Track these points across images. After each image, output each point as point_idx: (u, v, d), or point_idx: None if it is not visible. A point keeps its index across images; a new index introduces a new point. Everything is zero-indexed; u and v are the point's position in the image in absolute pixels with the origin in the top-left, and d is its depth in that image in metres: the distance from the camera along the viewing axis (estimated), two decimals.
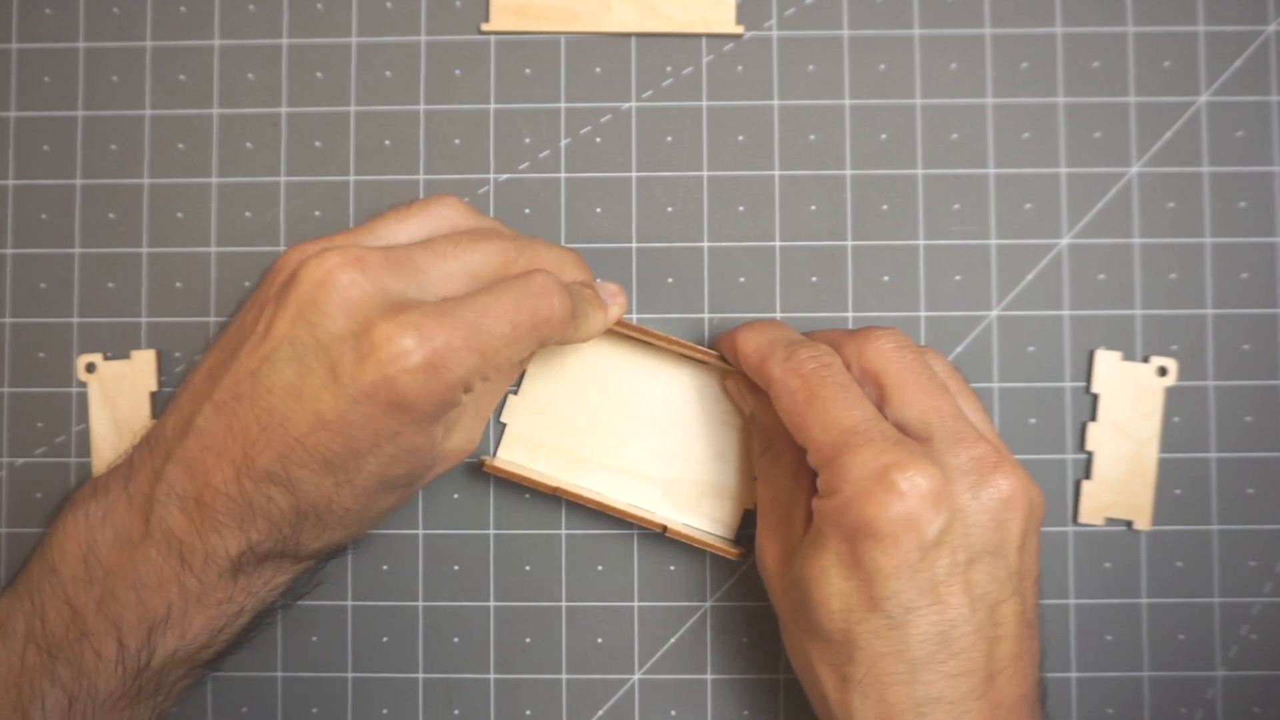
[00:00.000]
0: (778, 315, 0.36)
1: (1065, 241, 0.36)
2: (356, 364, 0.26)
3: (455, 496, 0.36)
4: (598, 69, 0.37)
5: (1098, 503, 0.36)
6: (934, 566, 0.27)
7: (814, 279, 0.36)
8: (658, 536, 0.36)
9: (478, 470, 0.36)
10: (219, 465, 0.27)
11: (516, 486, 0.36)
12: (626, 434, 0.35)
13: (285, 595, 0.31)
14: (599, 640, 0.36)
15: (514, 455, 0.36)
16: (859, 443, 0.28)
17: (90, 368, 0.36)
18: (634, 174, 0.37)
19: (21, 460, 0.36)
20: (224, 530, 0.28)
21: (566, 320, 0.29)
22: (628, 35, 0.37)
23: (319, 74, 0.37)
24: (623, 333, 0.34)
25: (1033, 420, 0.36)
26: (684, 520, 0.35)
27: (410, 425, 0.27)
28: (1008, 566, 0.28)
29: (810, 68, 0.37)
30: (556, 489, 0.34)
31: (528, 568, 0.36)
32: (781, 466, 0.33)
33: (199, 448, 0.28)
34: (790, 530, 0.31)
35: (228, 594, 0.29)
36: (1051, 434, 0.36)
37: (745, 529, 0.35)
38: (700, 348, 0.34)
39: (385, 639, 0.36)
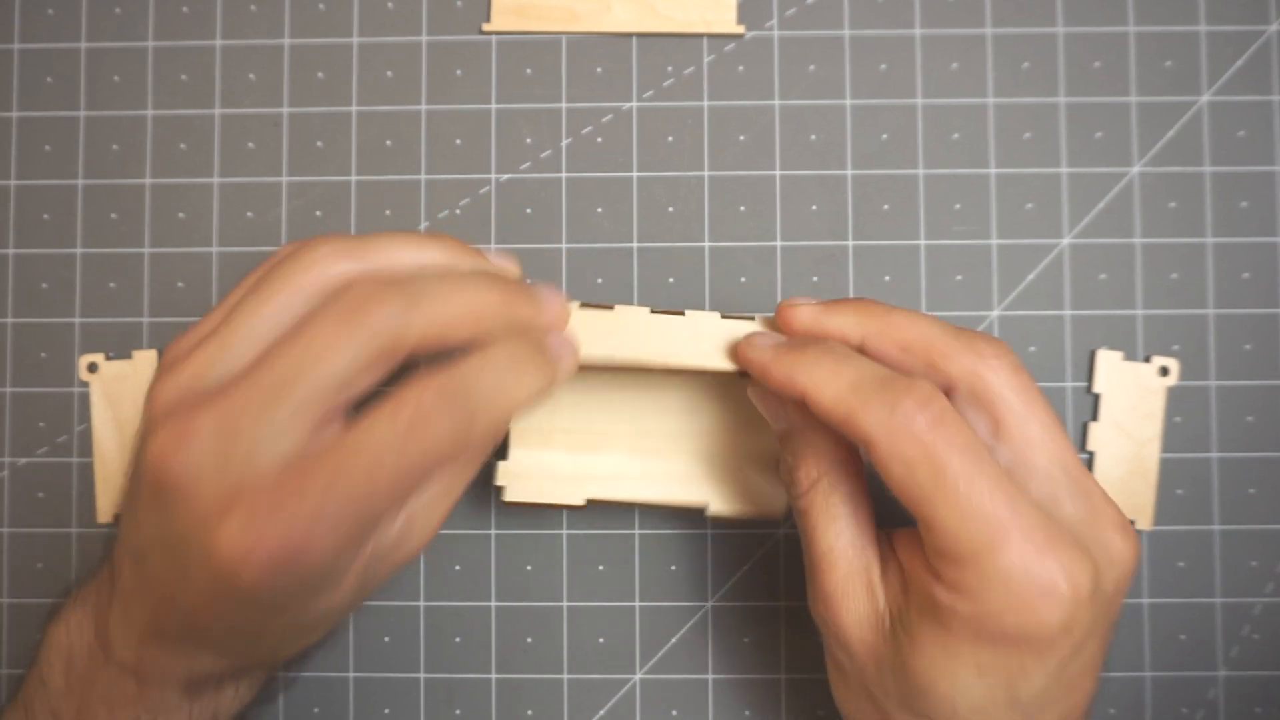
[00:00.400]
0: None
1: (1066, 241, 0.36)
2: (204, 563, 0.23)
3: None
4: (599, 69, 0.37)
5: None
6: (1080, 658, 0.24)
7: (815, 279, 0.36)
8: (659, 536, 0.36)
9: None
10: (147, 611, 0.26)
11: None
12: (643, 401, 0.33)
13: (260, 695, 0.31)
14: (600, 640, 0.36)
15: (527, 447, 0.33)
16: (1008, 538, 0.23)
17: (92, 368, 0.36)
18: (635, 174, 0.37)
19: (24, 460, 0.36)
20: (170, 660, 0.27)
21: (471, 433, 0.24)
22: (628, 35, 0.37)
23: (320, 74, 0.37)
24: (639, 368, 0.29)
25: None
26: (720, 490, 0.32)
27: (294, 603, 0.24)
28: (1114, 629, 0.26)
29: (811, 68, 0.37)
30: (587, 502, 0.32)
31: (529, 567, 0.36)
32: (843, 512, 0.27)
33: (129, 588, 0.27)
34: (872, 596, 0.26)
35: (190, 709, 0.28)
36: None
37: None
38: (717, 366, 0.29)
39: (387, 639, 0.36)
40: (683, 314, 0.29)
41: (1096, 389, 0.36)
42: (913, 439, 0.23)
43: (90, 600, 0.29)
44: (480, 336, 0.25)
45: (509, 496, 0.32)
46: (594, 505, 0.33)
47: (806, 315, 0.27)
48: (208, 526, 0.23)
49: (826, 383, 0.25)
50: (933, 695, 0.24)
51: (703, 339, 0.29)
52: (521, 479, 0.32)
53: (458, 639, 0.36)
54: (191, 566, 0.23)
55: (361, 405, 0.24)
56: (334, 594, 0.25)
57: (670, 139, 0.37)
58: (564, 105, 0.37)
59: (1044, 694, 0.24)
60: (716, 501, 0.32)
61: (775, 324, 0.29)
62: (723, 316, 0.29)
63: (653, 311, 0.29)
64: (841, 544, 0.26)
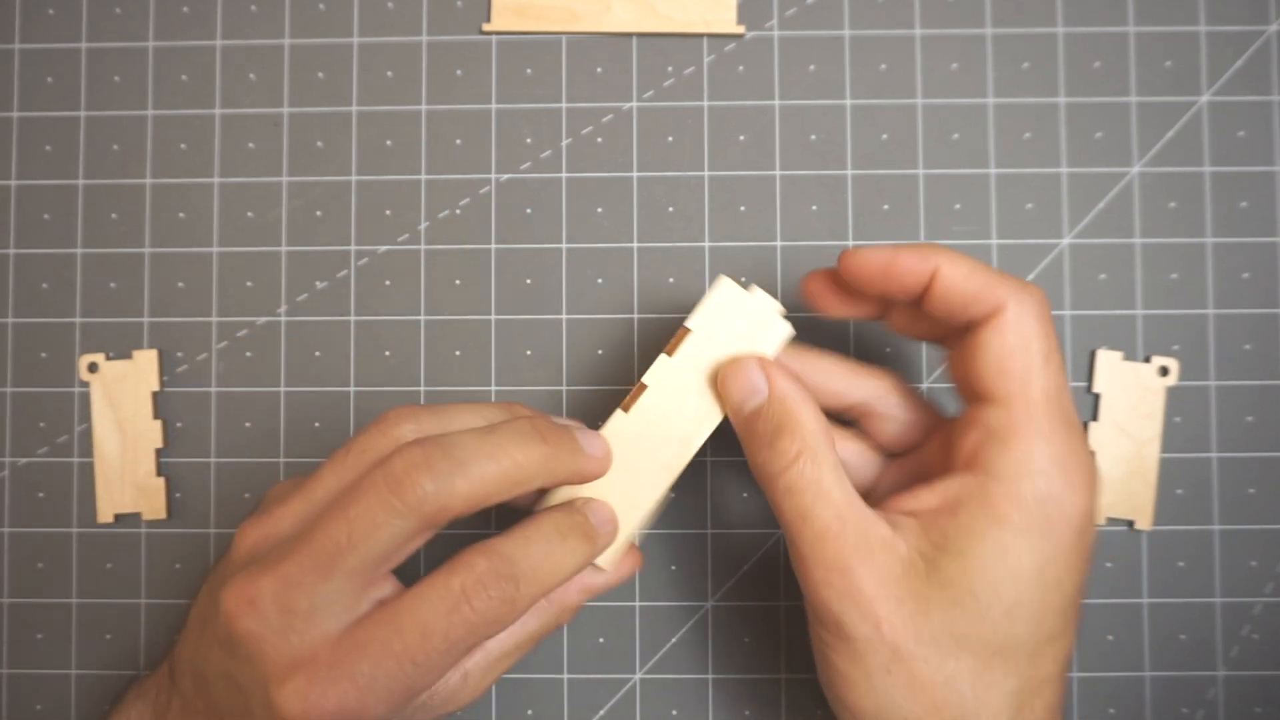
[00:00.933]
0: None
1: (1066, 241, 0.36)
2: (266, 712, 0.25)
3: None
4: (599, 69, 0.37)
5: (1099, 502, 0.36)
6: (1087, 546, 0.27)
7: None
8: (659, 536, 0.36)
9: None
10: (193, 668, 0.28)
11: None
12: None
13: None
14: (600, 640, 0.36)
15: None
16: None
17: (93, 367, 0.36)
18: (635, 174, 0.37)
19: (24, 460, 0.36)
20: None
21: (517, 602, 0.25)
22: (629, 35, 0.37)
23: (320, 74, 0.37)
24: None
25: None
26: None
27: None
28: None
29: (811, 68, 0.37)
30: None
31: None
32: (834, 479, 0.27)
33: (189, 698, 0.28)
34: (890, 549, 0.26)
35: None
36: None
37: None
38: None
39: None
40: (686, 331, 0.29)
41: (1096, 389, 0.36)
42: (1041, 309, 0.26)
43: (150, 695, 0.30)
44: (525, 489, 0.26)
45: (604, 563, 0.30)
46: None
47: (880, 255, 0.28)
48: (270, 684, 0.24)
49: (959, 259, 0.27)
50: (996, 605, 0.25)
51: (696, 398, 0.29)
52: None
53: None
54: (254, 710, 0.25)
55: None
56: None
57: (670, 139, 0.37)
58: (564, 105, 0.37)
59: (1079, 590, 0.26)
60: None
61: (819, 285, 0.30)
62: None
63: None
64: (842, 508, 0.26)
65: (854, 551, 0.26)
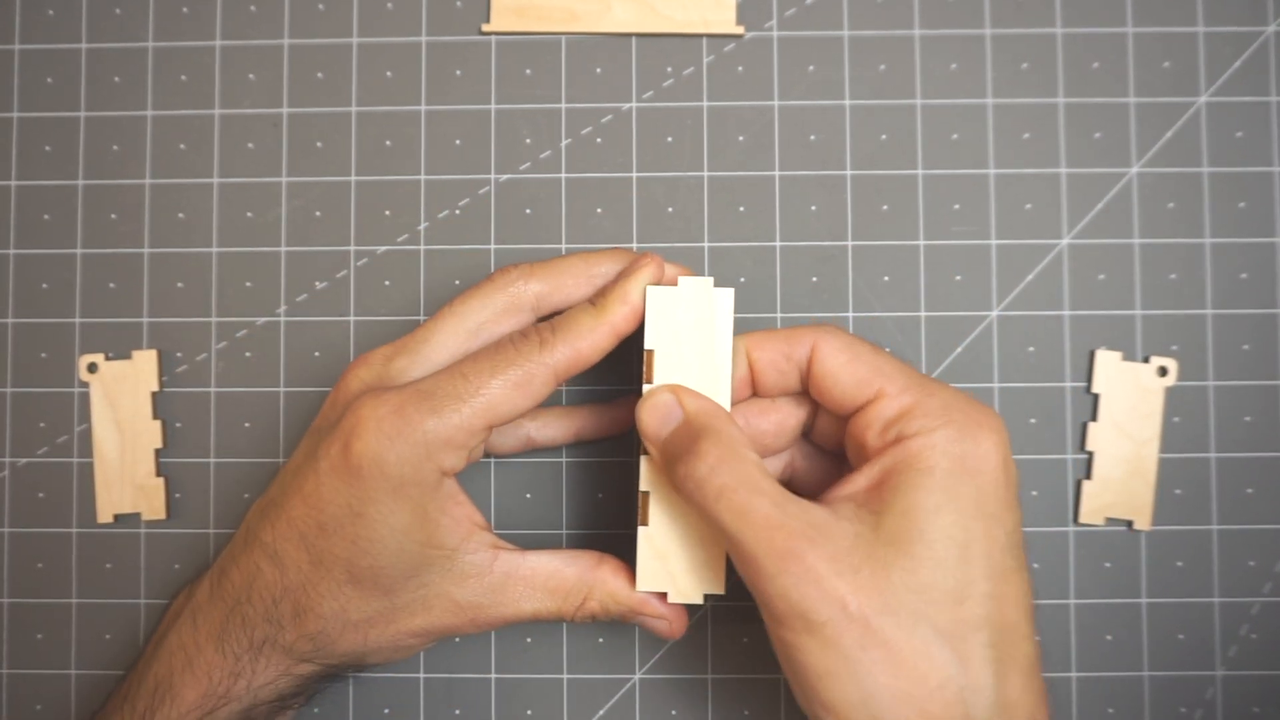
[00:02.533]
0: (778, 315, 0.36)
1: (1065, 241, 0.36)
2: (330, 440, 0.29)
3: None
4: (598, 69, 0.37)
5: (1098, 503, 0.36)
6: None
7: (814, 279, 0.36)
8: None
9: (478, 470, 0.36)
10: (243, 536, 0.31)
11: (517, 487, 0.36)
12: None
13: (275, 706, 0.31)
14: (600, 639, 0.36)
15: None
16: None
17: (92, 368, 0.36)
18: (634, 174, 0.37)
19: (24, 460, 0.36)
20: (224, 593, 0.31)
21: (545, 367, 0.29)
22: (628, 35, 0.37)
23: (320, 74, 0.37)
24: None
25: (1033, 420, 0.36)
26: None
27: (370, 502, 0.28)
28: None
29: (811, 68, 0.37)
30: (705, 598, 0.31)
31: None
32: (761, 477, 0.28)
33: (247, 524, 0.32)
34: (838, 518, 0.27)
35: (215, 666, 0.30)
36: (1052, 434, 0.36)
37: None
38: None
39: None
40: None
41: (1095, 389, 0.36)
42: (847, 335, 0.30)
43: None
44: None
45: (643, 587, 0.30)
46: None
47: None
48: (351, 405, 0.29)
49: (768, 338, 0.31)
50: (948, 546, 0.26)
51: None
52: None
53: (458, 639, 0.36)
54: (320, 448, 0.29)
55: None
56: (385, 540, 0.28)
57: (670, 139, 0.37)
58: (564, 105, 0.37)
59: (1018, 529, 0.27)
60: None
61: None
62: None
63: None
64: (777, 497, 0.26)
65: (801, 535, 0.25)
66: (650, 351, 0.30)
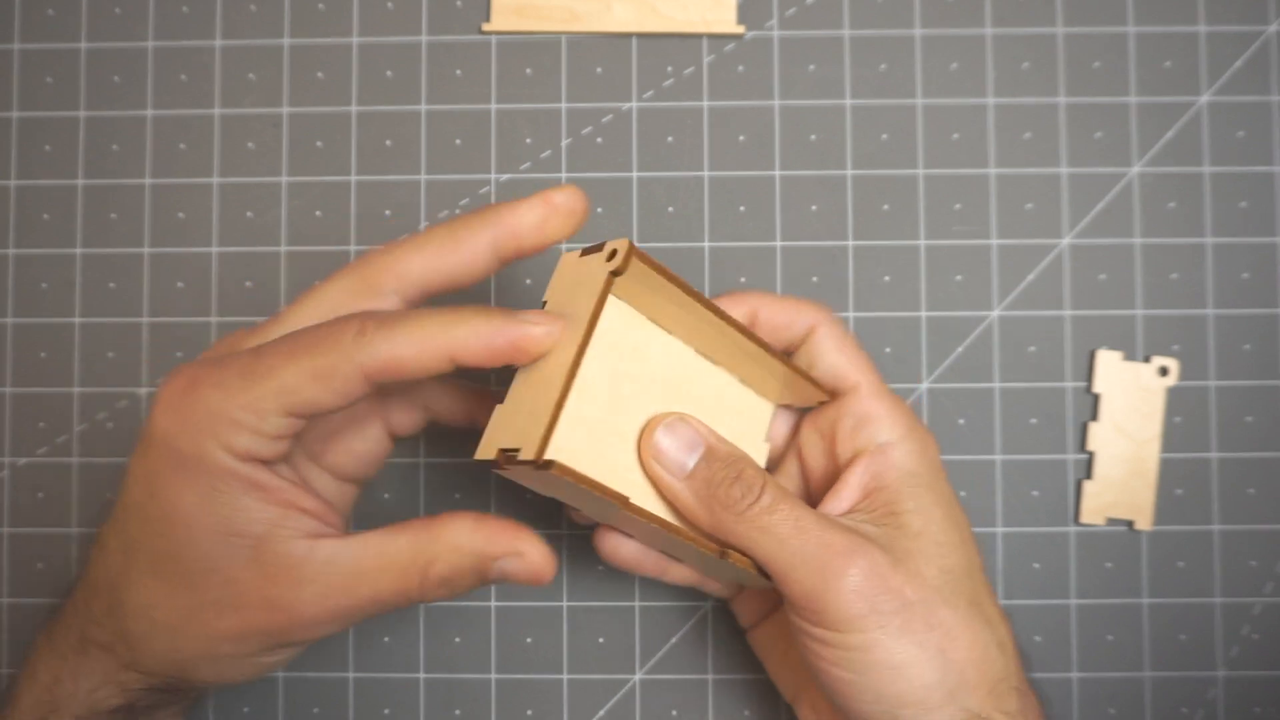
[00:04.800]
0: None
1: (1066, 241, 0.36)
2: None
3: (457, 496, 0.36)
4: (598, 69, 0.37)
5: (1099, 503, 0.36)
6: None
7: (815, 279, 0.36)
8: None
9: (478, 470, 0.36)
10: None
11: (516, 487, 0.36)
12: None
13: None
14: (600, 640, 0.36)
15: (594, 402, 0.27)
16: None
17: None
18: (635, 174, 0.37)
19: (24, 460, 0.36)
20: (73, 588, 0.29)
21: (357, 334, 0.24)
22: (628, 35, 0.37)
23: (320, 74, 0.37)
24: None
25: (1034, 420, 0.36)
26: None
27: (162, 481, 0.25)
28: None
29: (811, 68, 0.37)
30: (625, 504, 0.26)
31: None
32: (790, 500, 0.28)
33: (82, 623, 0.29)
34: (864, 547, 0.28)
35: (46, 667, 0.28)
36: (1052, 434, 0.36)
37: None
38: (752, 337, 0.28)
39: (386, 639, 0.36)
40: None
41: (1096, 389, 0.36)
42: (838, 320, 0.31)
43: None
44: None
45: (562, 459, 0.24)
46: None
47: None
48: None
49: (766, 298, 0.32)
50: (955, 535, 0.29)
51: None
52: (581, 442, 0.26)
53: (457, 639, 0.36)
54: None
55: None
56: (185, 525, 0.26)
57: (670, 139, 0.37)
58: (564, 105, 0.37)
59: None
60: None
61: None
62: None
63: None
64: (825, 521, 0.27)
65: (852, 538, 0.27)
66: (544, 302, 0.27)
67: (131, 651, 0.27)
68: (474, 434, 0.27)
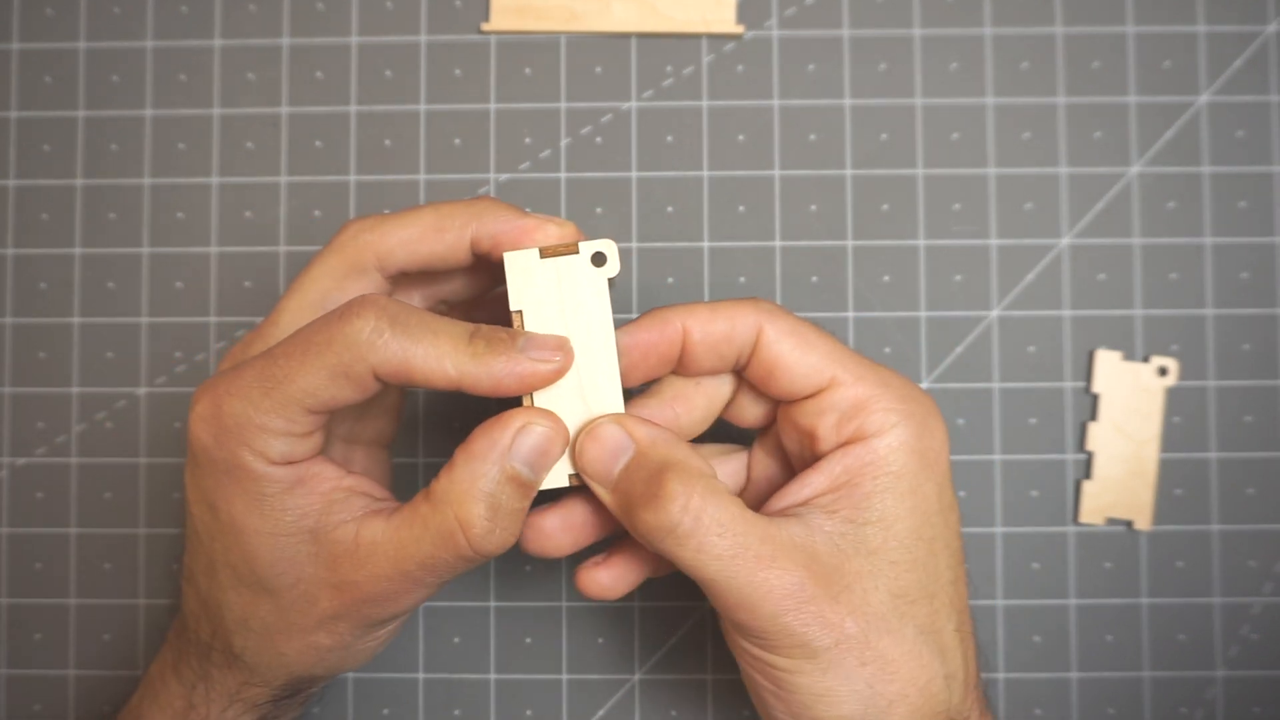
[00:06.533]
0: None
1: (1065, 241, 0.36)
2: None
3: None
4: (598, 69, 0.37)
5: (1098, 503, 0.36)
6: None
7: (814, 279, 0.36)
8: None
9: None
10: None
11: None
12: None
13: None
14: (600, 640, 0.36)
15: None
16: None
17: None
18: (634, 174, 0.37)
19: (23, 460, 0.36)
20: (179, 619, 0.30)
21: (367, 334, 0.24)
22: (628, 35, 0.37)
23: (319, 74, 0.37)
24: None
25: (1033, 420, 0.36)
26: None
27: (216, 494, 0.26)
28: None
29: (810, 68, 0.37)
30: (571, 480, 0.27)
31: (528, 568, 0.36)
32: (729, 496, 0.26)
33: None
34: (810, 530, 0.26)
35: (176, 696, 0.29)
36: (1052, 434, 0.36)
37: None
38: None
39: None
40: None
41: (1095, 389, 0.36)
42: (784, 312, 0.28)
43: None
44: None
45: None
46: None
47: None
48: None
49: (699, 312, 0.28)
50: (922, 549, 0.26)
51: None
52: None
53: (457, 639, 0.36)
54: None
55: None
56: (241, 531, 0.26)
57: (669, 139, 0.37)
58: (563, 105, 0.37)
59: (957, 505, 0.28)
60: None
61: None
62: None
63: None
64: (760, 527, 0.25)
65: (794, 564, 0.25)
66: (518, 313, 0.27)
67: (246, 667, 0.28)
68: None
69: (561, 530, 0.28)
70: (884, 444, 0.26)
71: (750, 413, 0.30)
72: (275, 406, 0.25)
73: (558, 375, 0.26)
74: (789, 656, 0.25)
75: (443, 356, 0.24)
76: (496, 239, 0.27)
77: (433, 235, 0.27)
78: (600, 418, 0.26)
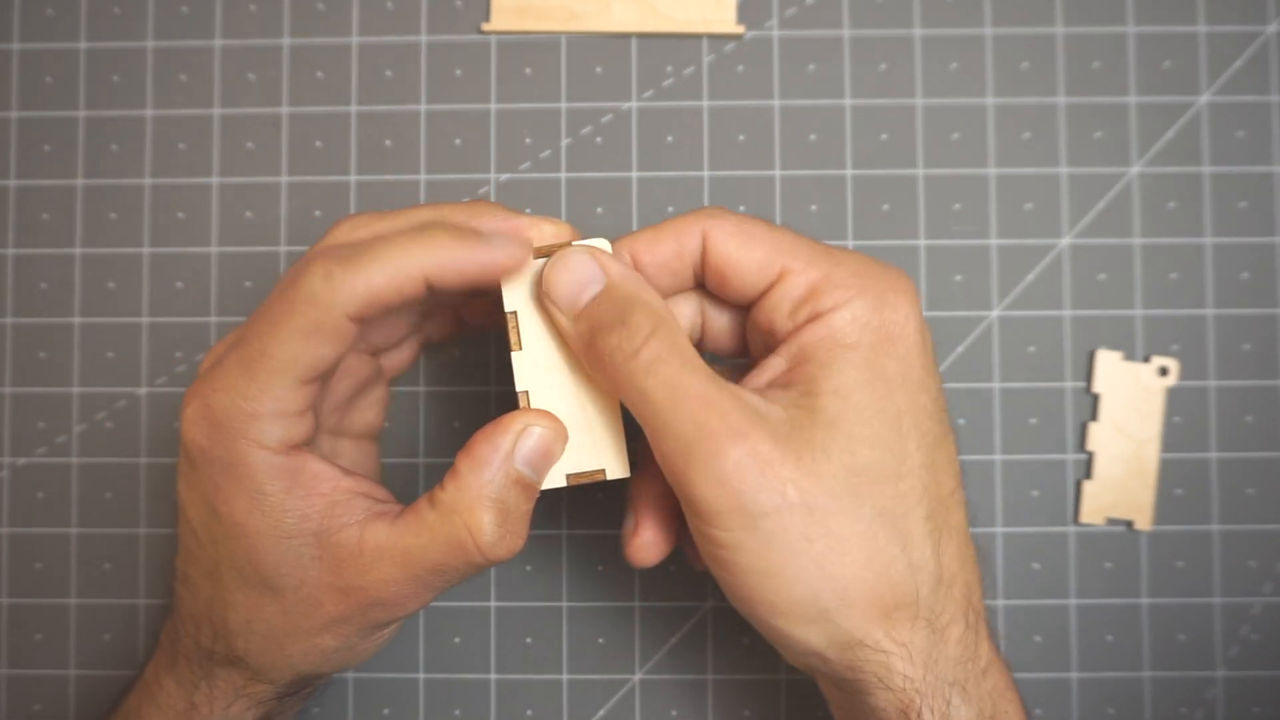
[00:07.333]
0: None
1: (1066, 241, 0.36)
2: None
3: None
4: (598, 69, 0.37)
5: (1098, 503, 0.36)
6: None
7: None
8: None
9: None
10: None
11: None
12: None
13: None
14: (600, 640, 0.36)
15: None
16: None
17: None
18: (635, 174, 0.37)
19: (23, 460, 0.36)
20: (172, 621, 0.29)
21: (327, 288, 0.24)
22: (628, 35, 0.37)
23: (320, 74, 0.37)
24: None
25: (1033, 420, 0.36)
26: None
27: (215, 495, 0.25)
28: None
29: (811, 68, 0.37)
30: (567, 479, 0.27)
31: (529, 567, 0.36)
32: (690, 352, 0.25)
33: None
34: (756, 418, 0.25)
35: (175, 697, 0.28)
36: (1052, 434, 0.36)
37: None
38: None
39: None
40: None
41: (1096, 389, 0.36)
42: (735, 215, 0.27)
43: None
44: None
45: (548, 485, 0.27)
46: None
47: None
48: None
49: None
50: (884, 423, 0.25)
51: None
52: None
53: (457, 639, 0.36)
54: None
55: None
56: (240, 525, 0.25)
57: (670, 139, 0.37)
58: (563, 105, 0.37)
59: (941, 394, 0.27)
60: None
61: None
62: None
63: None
64: (712, 374, 0.25)
65: (739, 416, 0.24)
66: (513, 314, 0.27)
67: (250, 667, 0.27)
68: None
69: (653, 542, 0.29)
70: (838, 317, 0.25)
71: (724, 336, 0.29)
72: (262, 388, 0.24)
73: (516, 265, 0.26)
74: (726, 526, 0.24)
75: (397, 260, 0.24)
76: (444, 271, 0.25)
77: (402, 282, 0.25)
78: (573, 245, 0.26)
